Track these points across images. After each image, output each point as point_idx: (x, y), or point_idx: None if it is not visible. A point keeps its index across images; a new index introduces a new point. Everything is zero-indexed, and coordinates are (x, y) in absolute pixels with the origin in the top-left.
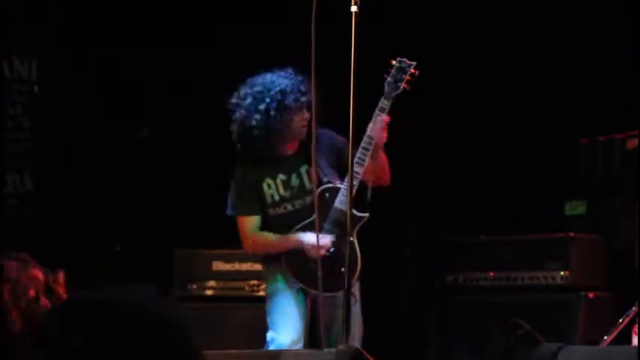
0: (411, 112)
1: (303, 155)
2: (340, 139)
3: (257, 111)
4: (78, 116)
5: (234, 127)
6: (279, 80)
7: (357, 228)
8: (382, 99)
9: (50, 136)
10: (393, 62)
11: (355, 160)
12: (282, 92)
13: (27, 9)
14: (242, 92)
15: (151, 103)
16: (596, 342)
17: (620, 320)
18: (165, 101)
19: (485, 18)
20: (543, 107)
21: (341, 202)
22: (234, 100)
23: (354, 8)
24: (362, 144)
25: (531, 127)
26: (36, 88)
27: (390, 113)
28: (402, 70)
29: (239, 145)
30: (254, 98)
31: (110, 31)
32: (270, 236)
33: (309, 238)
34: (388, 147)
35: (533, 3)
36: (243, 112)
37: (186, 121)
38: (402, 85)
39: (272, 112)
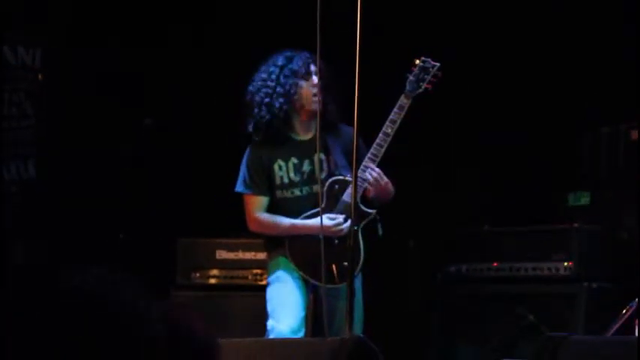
0: (413, 102)
1: (320, 143)
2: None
3: (270, 79)
4: (81, 104)
5: (251, 103)
6: (286, 52)
7: (363, 223)
8: (402, 97)
9: (53, 123)
10: (417, 61)
11: (369, 155)
12: (289, 58)
13: None
14: (257, 73)
15: (155, 92)
16: (599, 333)
17: (624, 311)
18: (169, 90)
19: (489, 7)
20: (547, 97)
21: (350, 195)
22: (251, 83)
23: None
24: (377, 140)
25: (535, 117)
26: (40, 76)
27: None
28: (425, 70)
29: (255, 123)
30: (266, 71)
31: (114, 20)
32: (276, 218)
33: (325, 221)
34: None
35: None
36: (258, 84)
37: (191, 110)
38: (425, 85)
39: (282, 79)
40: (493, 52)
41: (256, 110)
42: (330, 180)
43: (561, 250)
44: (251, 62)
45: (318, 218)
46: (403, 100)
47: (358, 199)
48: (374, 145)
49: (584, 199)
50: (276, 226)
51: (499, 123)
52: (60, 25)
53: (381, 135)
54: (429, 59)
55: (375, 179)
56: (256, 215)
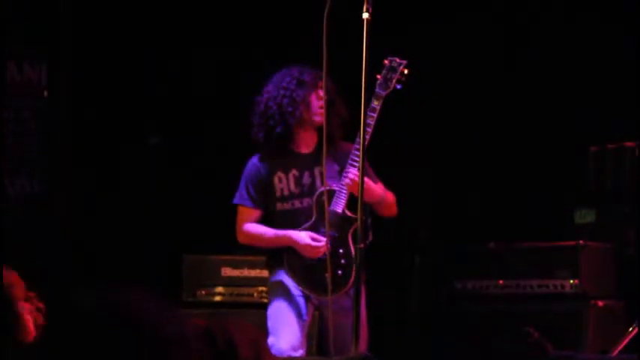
0: (419, 115)
1: (320, 156)
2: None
3: (280, 89)
4: (87, 121)
5: (257, 116)
6: (297, 66)
7: (351, 230)
8: (372, 99)
9: (59, 140)
10: (385, 62)
11: (349, 161)
12: (300, 71)
13: (37, 13)
14: (271, 83)
15: (161, 109)
16: (605, 350)
17: (630, 329)
18: (175, 107)
19: (496, 18)
20: (553, 114)
21: (335, 204)
22: (265, 92)
23: (365, 15)
24: (355, 144)
25: (541, 135)
26: (45, 93)
27: (383, 113)
28: (392, 69)
29: (259, 135)
30: (276, 81)
31: (120, 36)
32: (263, 230)
33: (303, 238)
34: (394, 155)
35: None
36: (266, 95)
37: (196, 127)
38: (392, 84)
39: (292, 87)
40: (500, 67)
41: (273, 118)
42: (318, 191)
43: (567, 267)
44: (260, 77)
45: (301, 234)
46: (374, 102)
47: (344, 206)
48: (353, 151)
49: (590, 217)
50: (260, 236)
51: (506, 140)
52: (65, 41)
53: (358, 139)
54: (395, 58)
55: (352, 180)
56: (243, 227)
